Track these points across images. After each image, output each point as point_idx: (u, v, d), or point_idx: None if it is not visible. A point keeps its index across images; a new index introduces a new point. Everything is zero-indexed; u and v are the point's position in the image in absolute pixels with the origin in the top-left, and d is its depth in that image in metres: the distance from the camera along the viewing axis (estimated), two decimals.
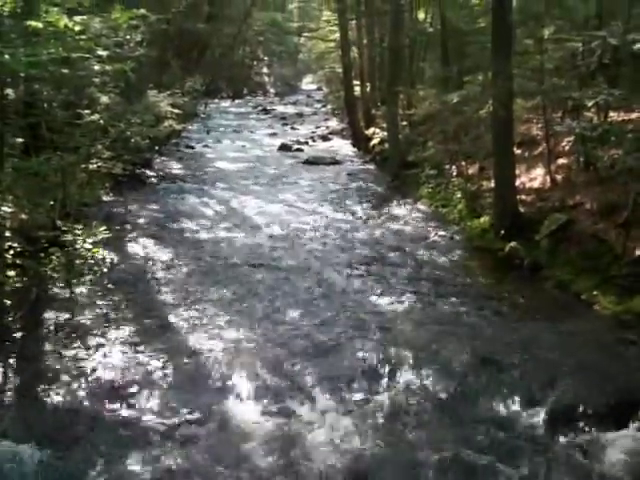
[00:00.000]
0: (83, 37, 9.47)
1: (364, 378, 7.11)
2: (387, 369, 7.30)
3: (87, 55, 9.56)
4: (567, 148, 13.08)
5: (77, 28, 9.17)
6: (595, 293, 9.21)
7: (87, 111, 12.43)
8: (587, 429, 6.27)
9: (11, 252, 8.43)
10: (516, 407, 6.62)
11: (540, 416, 6.45)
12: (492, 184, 12.75)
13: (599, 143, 11.29)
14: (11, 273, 8.27)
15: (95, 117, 12.29)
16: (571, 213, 10.93)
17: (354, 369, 7.27)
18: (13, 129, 11.10)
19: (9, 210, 8.83)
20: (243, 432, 6.14)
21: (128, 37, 12.69)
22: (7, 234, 8.52)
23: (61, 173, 11.27)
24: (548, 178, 12.51)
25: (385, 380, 7.13)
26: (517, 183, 12.41)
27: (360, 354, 7.58)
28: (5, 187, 9.16)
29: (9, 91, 10.47)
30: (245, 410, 6.52)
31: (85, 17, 10.02)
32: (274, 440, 6.01)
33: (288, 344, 7.83)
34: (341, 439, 6.04)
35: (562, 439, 6.14)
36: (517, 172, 12.55)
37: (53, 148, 11.68)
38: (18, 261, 8.57)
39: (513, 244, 10.99)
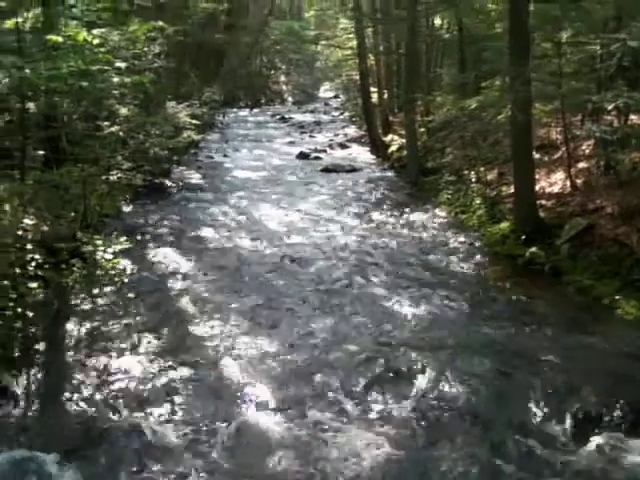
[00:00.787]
0: (102, 50, 9.59)
1: (390, 386, 7.09)
2: (412, 377, 7.24)
3: (106, 67, 9.65)
4: (587, 152, 13.00)
5: (96, 41, 9.30)
6: (617, 298, 9.12)
7: (107, 123, 12.58)
8: (613, 436, 6.18)
9: (33, 264, 8.51)
10: (540, 414, 6.55)
11: (565, 423, 6.39)
12: (512, 189, 12.69)
13: (619, 146, 11.19)
14: (33, 285, 8.34)
15: (115, 129, 12.43)
16: (592, 217, 10.85)
17: (379, 377, 7.24)
18: (34, 142, 11.24)
19: (31, 222, 8.94)
20: (265, 442, 6.14)
21: (146, 49, 12.85)
22: (29, 246, 8.60)
23: (82, 185, 11.38)
24: (568, 182, 12.42)
25: (410, 388, 7.07)
26: (537, 188, 12.34)
27: (383, 361, 7.54)
28: (27, 199, 9.28)
29: (30, 105, 10.61)
30: (267, 420, 6.51)
31: (104, 30, 10.15)
32: (297, 450, 6.01)
33: (312, 353, 7.83)
34: (365, 448, 6.02)
35: (588, 447, 6.07)
36: (537, 177, 12.48)
37: (73, 160, 11.81)
38: (40, 273, 8.65)
39: (533, 249, 10.91)
